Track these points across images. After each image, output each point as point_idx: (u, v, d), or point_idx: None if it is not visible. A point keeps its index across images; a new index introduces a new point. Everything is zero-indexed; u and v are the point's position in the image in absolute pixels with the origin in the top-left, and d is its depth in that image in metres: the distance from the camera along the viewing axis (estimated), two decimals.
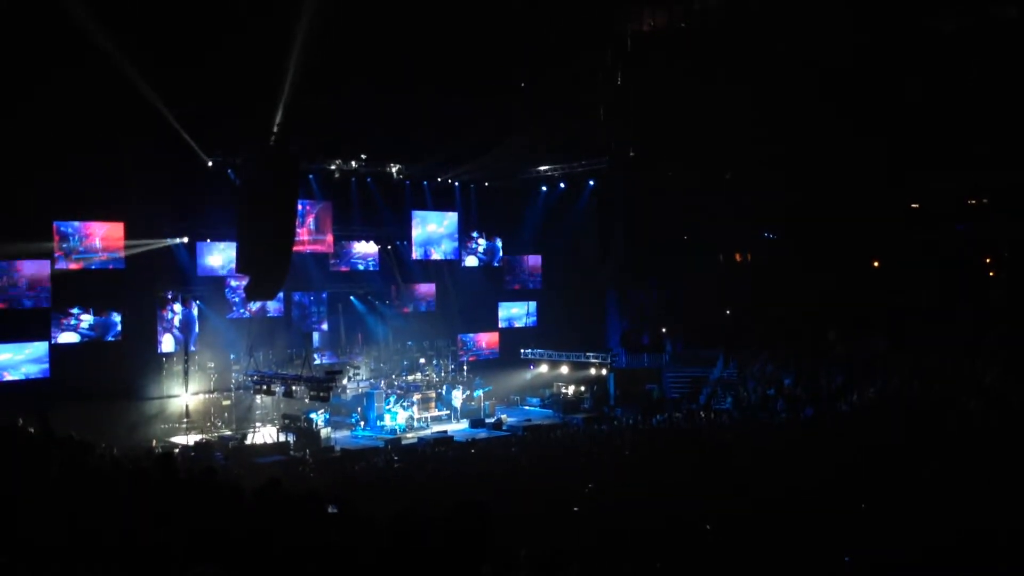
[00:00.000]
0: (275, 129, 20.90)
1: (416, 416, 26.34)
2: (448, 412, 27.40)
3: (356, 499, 6.60)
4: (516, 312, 33.32)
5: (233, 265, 24.68)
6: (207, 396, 25.68)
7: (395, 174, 29.63)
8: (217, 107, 21.90)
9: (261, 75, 20.75)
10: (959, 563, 10.25)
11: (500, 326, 32.69)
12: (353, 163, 28.39)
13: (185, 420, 24.96)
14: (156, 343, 25.38)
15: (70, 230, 23.83)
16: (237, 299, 26.41)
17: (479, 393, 27.97)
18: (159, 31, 20.64)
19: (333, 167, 28.14)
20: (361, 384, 27.29)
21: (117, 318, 24.54)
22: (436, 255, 30.95)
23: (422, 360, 29.30)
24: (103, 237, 24.16)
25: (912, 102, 25.69)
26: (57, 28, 18.92)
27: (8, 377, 22.73)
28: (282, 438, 23.41)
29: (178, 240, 25.68)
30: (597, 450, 19.83)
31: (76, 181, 22.22)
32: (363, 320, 29.68)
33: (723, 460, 17.42)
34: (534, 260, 33.62)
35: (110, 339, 24.48)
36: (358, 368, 27.98)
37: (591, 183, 31.46)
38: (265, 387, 24.00)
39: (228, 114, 22.14)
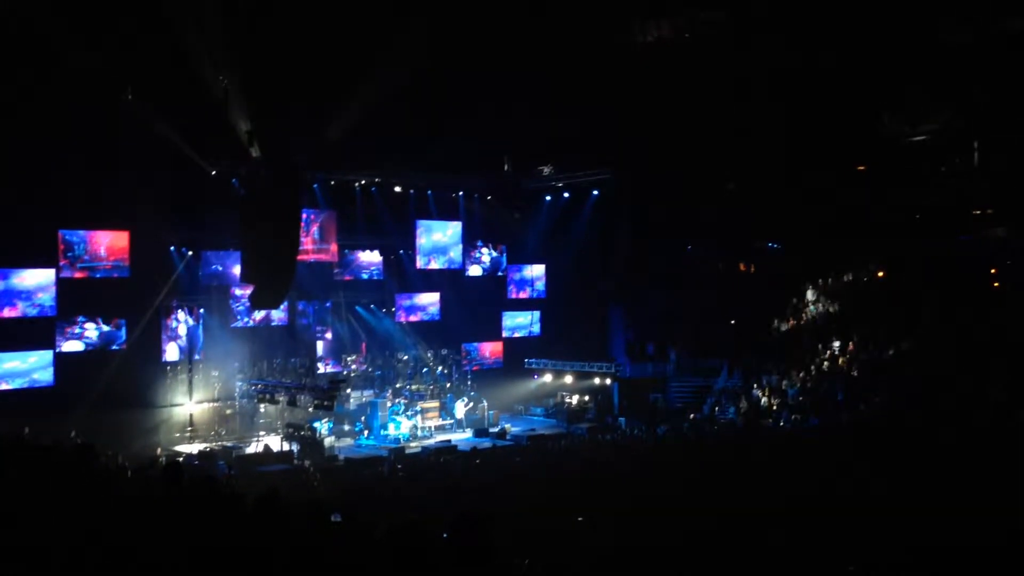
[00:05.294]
0: (274, 139, 20.91)
1: (420, 425, 26.34)
2: (452, 421, 27.39)
3: (359, 508, 6.59)
4: (520, 321, 33.33)
5: (238, 274, 24.76)
6: (211, 405, 25.72)
7: (406, 185, 29.75)
8: (218, 117, 21.90)
9: (263, 84, 20.74)
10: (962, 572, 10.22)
11: (504, 335, 32.70)
12: (359, 181, 28.46)
13: (189, 429, 25.00)
14: (160, 352, 25.42)
15: (75, 239, 23.90)
16: (241, 308, 26.46)
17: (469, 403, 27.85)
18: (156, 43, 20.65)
19: (333, 182, 28.14)
20: (365, 393, 27.31)
21: (122, 328, 24.59)
22: (440, 264, 30.99)
23: (426, 369, 29.32)
24: (108, 246, 24.24)
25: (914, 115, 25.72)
26: (56, 37, 18.99)
27: (13, 385, 22.77)
28: (286, 447, 23.40)
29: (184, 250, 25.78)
30: (601, 460, 19.78)
31: (81, 190, 22.27)
32: (367, 329, 29.72)
33: (728, 471, 17.37)
34: (538, 269, 33.66)
35: (115, 348, 24.52)
36: (361, 377, 27.96)
37: (595, 193, 31.49)
38: (269, 396, 24.02)
39: (229, 123, 22.11)
